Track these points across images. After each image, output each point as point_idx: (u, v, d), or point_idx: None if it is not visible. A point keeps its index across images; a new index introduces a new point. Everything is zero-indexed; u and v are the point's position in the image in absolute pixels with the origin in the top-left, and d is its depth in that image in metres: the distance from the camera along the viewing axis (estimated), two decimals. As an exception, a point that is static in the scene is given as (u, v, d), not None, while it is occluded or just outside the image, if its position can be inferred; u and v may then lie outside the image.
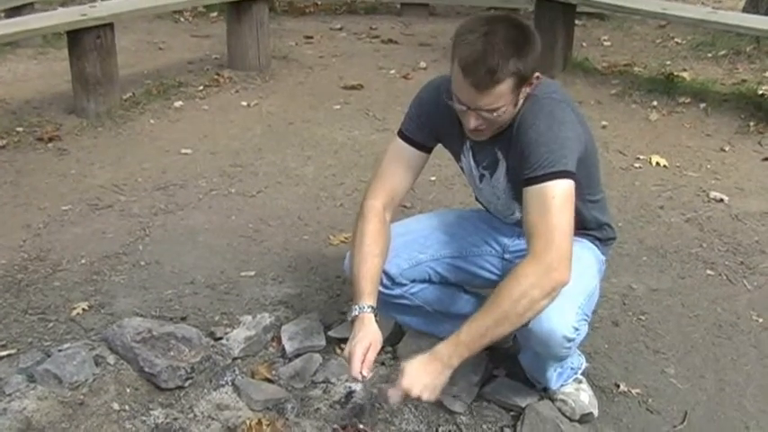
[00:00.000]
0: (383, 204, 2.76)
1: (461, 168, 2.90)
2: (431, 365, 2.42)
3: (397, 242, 2.82)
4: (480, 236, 2.98)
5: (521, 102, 2.51)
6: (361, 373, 2.48)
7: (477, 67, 2.36)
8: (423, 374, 2.42)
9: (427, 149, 2.82)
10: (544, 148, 2.46)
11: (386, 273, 2.80)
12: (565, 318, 2.49)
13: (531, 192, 2.47)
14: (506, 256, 2.96)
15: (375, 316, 2.59)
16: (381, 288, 2.77)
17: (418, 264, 2.90)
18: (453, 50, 2.43)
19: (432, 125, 2.78)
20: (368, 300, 2.60)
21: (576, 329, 2.53)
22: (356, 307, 2.60)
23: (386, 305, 2.89)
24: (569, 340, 2.52)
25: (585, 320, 2.60)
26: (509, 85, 2.40)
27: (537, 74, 2.47)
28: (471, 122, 2.48)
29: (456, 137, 2.76)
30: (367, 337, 2.52)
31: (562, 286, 2.39)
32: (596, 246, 2.88)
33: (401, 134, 2.81)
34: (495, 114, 2.45)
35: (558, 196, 2.42)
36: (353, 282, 2.67)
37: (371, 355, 2.50)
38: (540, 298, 2.37)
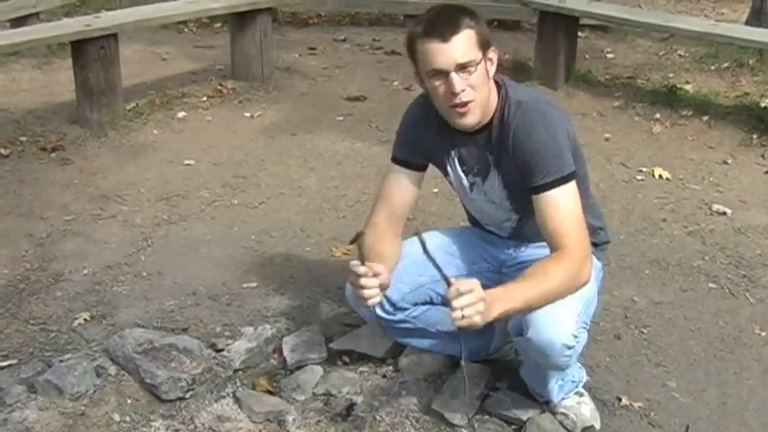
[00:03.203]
0: (385, 220, 2.81)
1: (450, 183, 2.94)
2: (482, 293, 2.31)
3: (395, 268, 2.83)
4: (477, 252, 3.02)
5: (491, 76, 2.61)
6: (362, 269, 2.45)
7: (435, 22, 2.52)
8: (472, 294, 2.29)
9: (420, 167, 2.88)
10: (549, 154, 2.57)
11: (387, 298, 2.80)
12: (563, 326, 2.51)
13: (545, 199, 2.57)
14: (504, 270, 2.98)
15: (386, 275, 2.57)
16: (383, 313, 2.79)
17: (419, 287, 2.91)
18: (411, 40, 2.58)
19: (417, 143, 2.84)
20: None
21: (576, 337, 2.55)
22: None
23: (388, 329, 2.92)
24: (569, 348, 2.54)
25: (584, 328, 2.63)
26: (471, 37, 2.52)
27: (493, 47, 2.62)
28: (457, 85, 2.51)
29: (442, 148, 2.81)
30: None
31: (584, 285, 2.53)
32: (593, 252, 2.89)
33: (393, 158, 2.89)
34: (473, 72, 2.52)
35: (571, 200, 2.57)
36: None
37: (375, 267, 2.49)
38: (573, 290, 2.50)
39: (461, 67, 2.51)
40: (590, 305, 2.70)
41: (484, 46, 2.56)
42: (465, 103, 2.55)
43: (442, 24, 2.51)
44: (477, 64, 2.53)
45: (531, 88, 2.83)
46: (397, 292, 2.84)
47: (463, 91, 2.52)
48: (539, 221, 2.60)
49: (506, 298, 2.39)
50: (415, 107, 2.87)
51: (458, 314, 2.27)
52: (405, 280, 2.87)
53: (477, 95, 2.56)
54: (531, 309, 2.47)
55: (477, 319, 2.28)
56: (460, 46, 2.50)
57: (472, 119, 2.60)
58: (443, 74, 2.52)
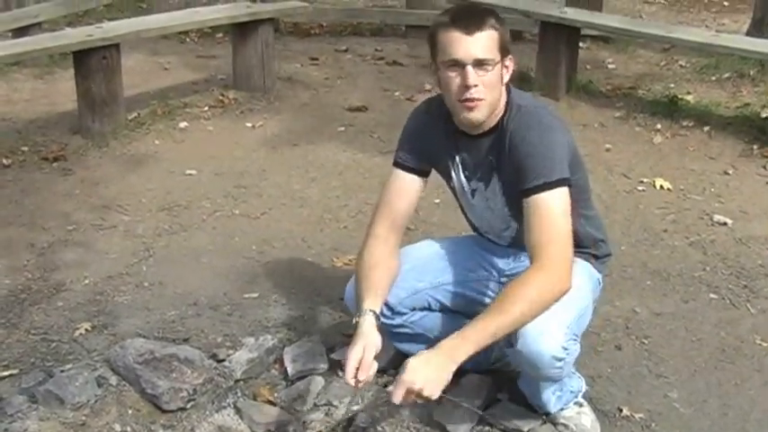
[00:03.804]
0: (385, 230, 2.81)
1: (452, 189, 2.95)
2: (434, 358, 2.39)
3: None
4: (476, 260, 3.02)
5: (504, 85, 2.65)
6: (355, 378, 2.44)
7: (462, 15, 2.58)
8: (425, 367, 2.36)
9: (423, 173, 2.88)
10: (540, 157, 2.57)
11: (385, 302, 2.79)
12: (553, 338, 2.51)
13: (532, 202, 2.56)
14: (503, 279, 2.98)
15: (377, 320, 2.58)
16: (381, 318, 2.78)
17: (417, 292, 2.92)
18: (435, 28, 2.61)
19: (421, 147, 2.84)
20: (366, 304, 2.61)
21: (565, 349, 2.54)
22: (355, 315, 2.61)
23: (387, 334, 2.90)
24: (559, 360, 2.54)
25: (575, 340, 2.62)
26: (494, 38, 2.56)
27: (511, 57, 2.64)
28: (471, 79, 2.54)
29: (446, 152, 2.82)
30: (360, 340, 2.50)
31: (566, 293, 2.49)
32: (591, 264, 2.89)
33: (396, 163, 2.89)
34: (488, 71, 2.55)
35: (558, 206, 2.54)
36: (356, 299, 2.69)
37: (368, 357, 2.47)
38: (549, 304, 2.47)
39: (479, 63, 2.54)
40: (582, 317, 2.70)
41: (503, 51, 2.59)
42: (475, 99, 2.57)
43: (469, 18, 2.55)
44: (495, 65, 2.56)
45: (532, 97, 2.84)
46: (394, 297, 2.84)
47: (475, 86, 2.55)
48: (524, 226, 2.59)
49: (467, 340, 2.39)
50: (420, 111, 2.89)
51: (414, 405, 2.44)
52: (402, 285, 2.87)
53: (487, 95, 2.58)
54: (506, 335, 2.47)
55: (434, 396, 2.37)
56: (482, 43, 2.54)
57: (479, 115, 2.62)
58: (460, 66, 2.55)
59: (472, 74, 2.54)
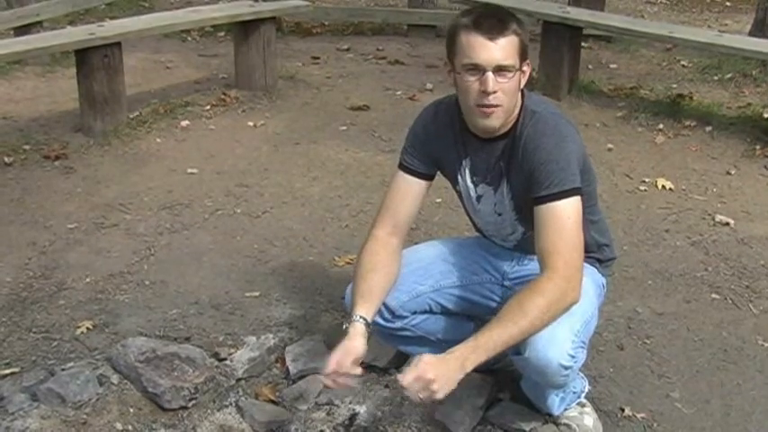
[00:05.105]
0: (387, 233, 2.79)
1: (459, 193, 2.91)
2: (448, 359, 2.38)
3: None
4: (480, 264, 2.99)
5: (521, 88, 2.61)
6: (331, 378, 2.46)
7: (485, 19, 2.52)
8: (440, 363, 2.36)
9: (428, 177, 2.85)
10: (555, 165, 2.54)
11: (386, 306, 2.79)
12: (561, 346, 2.50)
13: (545, 210, 2.54)
14: (506, 283, 2.95)
15: (367, 327, 2.58)
16: (382, 321, 2.78)
17: (418, 295, 2.89)
18: (455, 30, 2.57)
19: (428, 150, 2.81)
20: (358, 311, 2.60)
21: (573, 357, 2.53)
22: (346, 320, 2.60)
23: (388, 337, 2.91)
24: (566, 368, 2.52)
25: (582, 347, 2.60)
26: (515, 44, 2.52)
27: (528, 61, 2.60)
28: (491, 85, 2.50)
29: (454, 156, 2.79)
30: (343, 346, 2.51)
31: (575, 303, 2.49)
32: (596, 268, 2.89)
33: (401, 166, 2.85)
34: (508, 78, 2.51)
35: (571, 215, 2.53)
36: (351, 303, 2.68)
37: (345, 361, 2.48)
38: (560, 313, 2.46)
39: (499, 69, 2.50)
40: (589, 323, 2.69)
41: (523, 56, 2.56)
42: (493, 106, 2.54)
43: (492, 23, 2.51)
44: (515, 71, 2.53)
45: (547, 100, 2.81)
46: (395, 300, 2.83)
47: (494, 93, 2.51)
48: (535, 234, 2.57)
49: (479, 349, 2.39)
50: (428, 114, 2.85)
51: (415, 397, 2.38)
52: (403, 288, 2.85)
53: (505, 101, 2.55)
54: (516, 344, 2.46)
55: (438, 395, 2.36)
56: (504, 49, 2.50)
57: (495, 122, 2.59)
58: (480, 71, 2.51)
59: (492, 80, 2.50)
